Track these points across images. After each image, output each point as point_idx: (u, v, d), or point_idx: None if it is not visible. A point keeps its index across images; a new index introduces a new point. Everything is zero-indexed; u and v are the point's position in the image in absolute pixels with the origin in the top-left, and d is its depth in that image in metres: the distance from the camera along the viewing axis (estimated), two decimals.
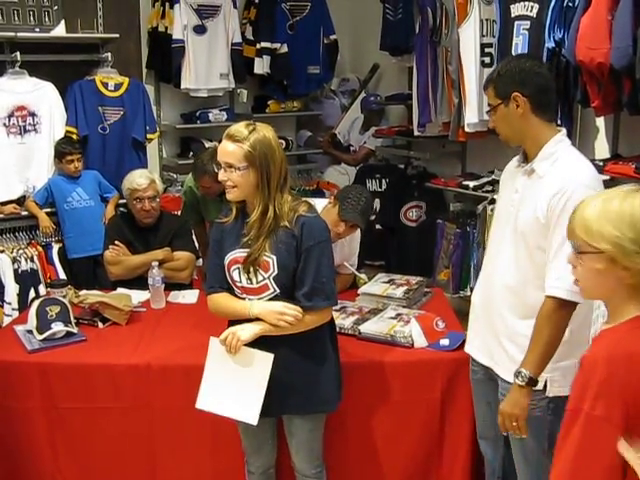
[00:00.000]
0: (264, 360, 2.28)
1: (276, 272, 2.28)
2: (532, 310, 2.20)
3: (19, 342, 2.86)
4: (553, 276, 2.12)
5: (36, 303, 2.98)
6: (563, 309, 2.12)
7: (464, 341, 2.73)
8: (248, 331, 2.27)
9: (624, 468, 1.44)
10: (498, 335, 2.31)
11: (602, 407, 1.44)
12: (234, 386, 2.31)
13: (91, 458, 2.76)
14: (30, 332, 2.88)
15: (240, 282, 2.33)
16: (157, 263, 3.37)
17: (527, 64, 2.28)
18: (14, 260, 4.39)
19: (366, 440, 2.73)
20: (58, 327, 2.85)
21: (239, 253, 2.32)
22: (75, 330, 2.90)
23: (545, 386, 2.21)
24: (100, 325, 3.04)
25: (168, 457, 2.72)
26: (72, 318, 2.94)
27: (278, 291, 2.30)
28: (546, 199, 2.14)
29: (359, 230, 3.34)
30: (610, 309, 1.60)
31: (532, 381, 2.14)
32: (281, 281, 2.29)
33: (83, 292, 3.22)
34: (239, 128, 2.25)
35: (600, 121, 4.10)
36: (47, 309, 2.90)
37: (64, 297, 3.02)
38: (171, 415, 2.66)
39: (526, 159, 2.31)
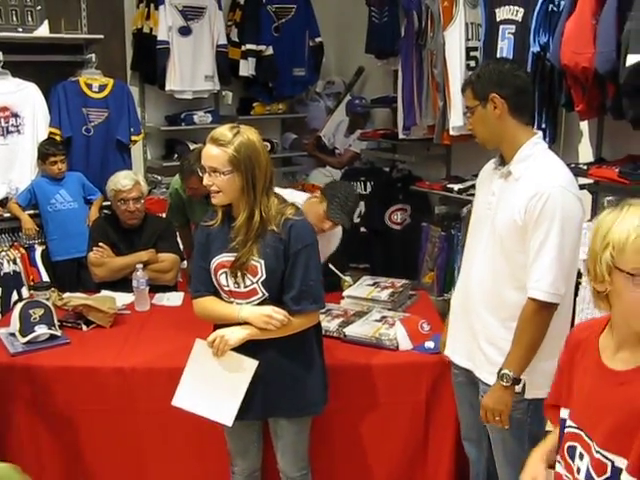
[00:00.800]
0: (248, 366, 2.28)
1: (264, 276, 2.27)
2: (509, 312, 2.22)
3: (1, 345, 2.83)
4: (533, 278, 2.14)
5: (19, 306, 2.95)
6: (544, 311, 2.14)
7: None
8: (236, 335, 2.26)
9: None
10: (477, 338, 2.33)
11: None
12: (213, 387, 2.31)
13: (76, 462, 2.74)
14: (13, 335, 2.86)
15: (227, 286, 2.32)
16: (141, 265, 3.35)
17: (506, 66, 2.30)
18: None
19: (351, 442, 2.74)
20: (42, 330, 2.83)
21: (226, 257, 2.30)
22: (59, 333, 2.88)
23: (523, 389, 2.23)
24: (84, 328, 3.02)
25: (154, 460, 2.71)
26: (56, 321, 2.91)
27: (267, 295, 2.29)
28: (523, 202, 2.15)
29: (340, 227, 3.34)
30: None
31: (516, 381, 2.17)
32: (269, 285, 2.28)
33: (67, 295, 3.20)
34: (223, 131, 2.23)
35: (584, 125, 4.11)
36: (30, 312, 2.87)
37: (47, 300, 2.99)
38: (156, 418, 2.65)
39: (503, 162, 2.31)
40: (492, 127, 2.26)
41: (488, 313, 2.29)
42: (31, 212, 4.51)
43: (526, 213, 2.15)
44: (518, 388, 2.21)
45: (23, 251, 4.50)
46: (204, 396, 2.32)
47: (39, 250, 4.55)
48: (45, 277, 4.46)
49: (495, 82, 2.24)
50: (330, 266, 3.50)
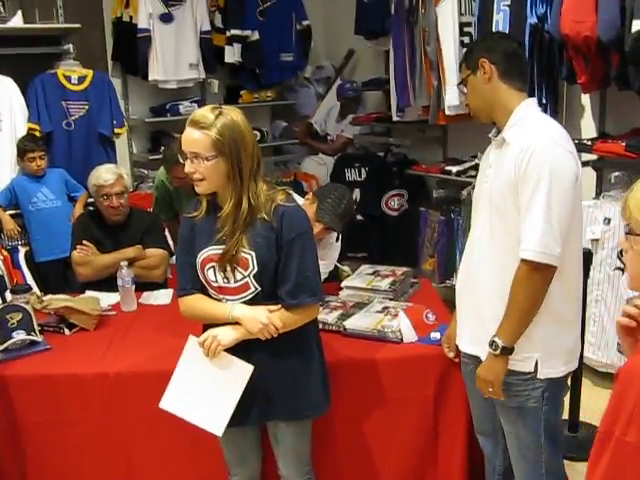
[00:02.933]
0: (243, 370, 2.10)
1: (256, 269, 2.09)
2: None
3: None
4: (523, 238, 2.01)
5: None
6: (536, 273, 2.00)
7: None
8: (230, 335, 2.10)
9: None
10: (483, 319, 2.18)
11: (635, 433, 1.24)
12: (205, 392, 2.14)
13: (62, 475, 2.56)
14: None
15: (216, 282, 2.14)
16: (126, 263, 3.19)
17: (495, 35, 2.23)
18: None
19: (356, 443, 2.57)
20: (20, 336, 2.65)
21: (213, 250, 2.12)
22: (39, 338, 2.70)
23: (536, 367, 2.10)
24: (66, 332, 2.84)
25: (145, 471, 2.53)
26: (36, 325, 2.73)
27: (259, 289, 2.12)
28: (514, 160, 2.03)
29: (337, 240, 3.14)
30: None
31: (506, 350, 2.06)
32: (262, 279, 2.11)
33: (47, 297, 3.02)
34: (204, 113, 2.05)
35: (586, 99, 3.99)
36: (7, 317, 2.69)
37: (27, 303, 2.81)
38: (145, 426, 2.47)
39: (498, 132, 2.19)
40: (483, 93, 2.17)
41: (492, 290, 2.14)
42: (12, 212, 4.35)
43: (515, 171, 2.02)
44: (530, 369, 2.09)
45: (5, 253, 4.33)
46: (194, 400, 2.15)
47: (22, 252, 4.39)
48: (30, 280, 4.30)
49: (484, 48, 2.19)
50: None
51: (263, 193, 2.09)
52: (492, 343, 2.07)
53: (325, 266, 3.22)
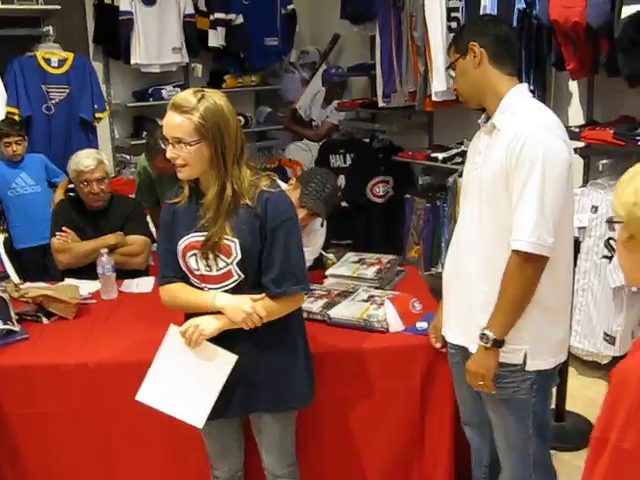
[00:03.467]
0: (226, 360, 2.05)
1: (239, 257, 2.03)
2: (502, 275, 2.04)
3: None
4: (514, 228, 1.97)
5: None
6: (528, 264, 1.96)
7: None
8: (212, 325, 2.04)
9: None
10: (471, 309, 2.14)
11: (632, 439, 1.20)
12: (185, 383, 2.08)
13: (41, 469, 2.50)
14: None
15: (198, 270, 2.09)
16: (107, 250, 3.12)
17: (486, 18, 2.18)
18: None
19: (341, 434, 2.53)
20: None
21: (195, 237, 2.06)
22: (16, 328, 2.63)
23: (525, 360, 2.06)
24: (45, 321, 2.77)
25: (125, 464, 2.47)
26: (13, 314, 2.66)
27: (242, 277, 2.06)
28: (505, 147, 1.98)
29: (322, 225, 3.10)
30: None
31: (497, 342, 2.02)
32: (246, 266, 2.05)
33: (25, 285, 2.94)
34: (186, 96, 1.98)
35: (574, 86, 3.95)
36: None
37: (4, 292, 2.74)
38: (127, 418, 2.40)
39: (488, 119, 2.14)
40: (472, 78, 2.11)
41: (481, 280, 2.10)
42: None
43: (506, 159, 1.97)
44: (518, 362, 2.06)
45: None
46: (173, 392, 2.09)
47: (1, 238, 4.31)
48: (8, 267, 4.21)
49: (474, 32, 2.13)
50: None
51: (247, 179, 2.03)
52: (483, 336, 2.02)
53: (310, 253, 3.17)
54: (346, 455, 2.54)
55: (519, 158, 1.94)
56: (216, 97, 2.00)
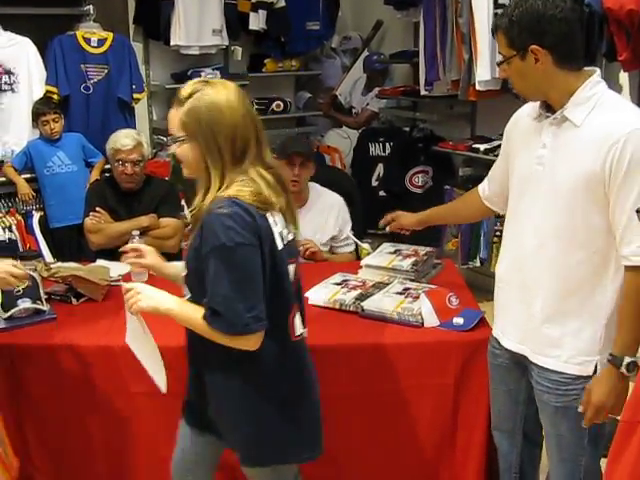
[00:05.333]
0: (149, 339, 1.96)
1: (187, 274, 1.89)
2: (577, 281, 1.91)
3: None
4: (627, 241, 1.81)
5: None
6: None
7: (481, 320, 2.47)
8: (152, 300, 1.87)
9: None
10: (535, 316, 1.99)
11: None
12: (143, 342, 1.99)
13: (66, 449, 2.47)
14: None
15: None
16: (138, 232, 3.08)
17: (546, 6, 1.84)
18: None
19: (370, 431, 2.44)
20: (25, 304, 2.55)
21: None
22: (45, 307, 2.60)
23: (595, 370, 1.92)
24: (74, 301, 2.74)
25: (146, 448, 2.43)
26: (42, 294, 2.63)
27: (189, 295, 1.89)
28: (599, 151, 1.80)
29: (341, 200, 3.23)
30: None
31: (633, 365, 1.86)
32: (190, 286, 1.89)
33: (55, 265, 2.91)
34: (187, 87, 1.81)
35: (624, 78, 3.80)
36: None
37: (34, 270, 2.71)
38: (149, 403, 2.36)
39: (549, 108, 1.95)
40: (534, 80, 1.90)
41: (551, 285, 1.95)
42: (27, 176, 4.28)
43: (601, 162, 1.80)
44: (589, 373, 1.92)
45: (19, 218, 4.29)
46: (142, 346, 2.01)
47: (36, 217, 4.33)
48: (43, 245, 4.24)
49: (535, 32, 1.84)
50: (348, 233, 3.28)
51: (231, 189, 1.77)
52: (628, 365, 1.84)
53: (320, 238, 3.24)
54: (374, 452, 2.45)
55: (630, 165, 1.76)
56: (217, 89, 1.79)
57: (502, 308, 2.14)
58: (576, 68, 1.89)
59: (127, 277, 3.00)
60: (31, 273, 2.63)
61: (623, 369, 1.84)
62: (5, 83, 4.23)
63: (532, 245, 1.98)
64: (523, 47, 1.85)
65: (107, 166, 4.17)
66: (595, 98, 1.86)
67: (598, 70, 1.93)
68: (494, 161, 2.33)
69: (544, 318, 1.97)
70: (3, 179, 4.25)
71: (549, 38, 1.83)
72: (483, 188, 2.35)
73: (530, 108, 2.04)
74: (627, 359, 1.84)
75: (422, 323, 2.48)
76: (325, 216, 3.31)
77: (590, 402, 1.89)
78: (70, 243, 4.23)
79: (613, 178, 1.79)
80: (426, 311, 2.49)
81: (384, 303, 2.58)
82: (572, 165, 1.86)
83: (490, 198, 2.31)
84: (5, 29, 4.20)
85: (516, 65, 1.90)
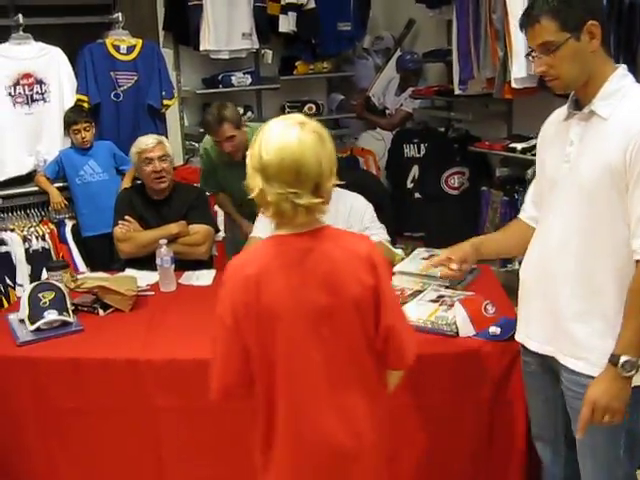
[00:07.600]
0: None
1: None
2: (601, 281, 1.85)
3: (10, 333, 2.54)
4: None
5: (29, 289, 2.67)
6: None
7: None
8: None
9: None
10: (560, 316, 1.92)
11: None
12: None
13: (93, 465, 2.44)
14: (22, 322, 2.56)
15: None
16: (165, 241, 3.05)
17: None
18: (25, 239, 4.15)
19: (401, 446, 2.34)
20: (52, 316, 2.53)
21: None
22: (71, 319, 2.58)
23: None
24: (101, 312, 2.71)
25: (176, 462, 2.38)
26: (69, 305, 2.61)
27: None
28: (621, 141, 1.75)
29: (359, 197, 3.08)
30: None
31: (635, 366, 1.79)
32: None
33: (82, 275, 2.89)
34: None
35: None
36: (40, 295, 2.57)
37: (60, 282, 2.68)
38: (178, 417, 2.31)
39: (577, 106, 1.90)
40: (585, 63, 1.83)
41: (574, 284, 1.89)
42: (60, 185, 4.28)
43: (624, 156, 1.75)
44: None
45: (52, 227, 4.30)
46: None
47: (69, 225, 4.34)
48: (76, 254, 4.24)
49: (590, 7, 1.82)
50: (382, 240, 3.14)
51: None
52: (624, 364, 1.78)
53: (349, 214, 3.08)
54: (407, 468, 2.35)
55: None
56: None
57: (527, 311, 2.07)
58: (609, 53, 1.88)
59: (155, 287, 2.97)
60: (58, 284, 2.62)
61: (619, 368, 1.78)
62: (37, 93, 4.23)
63: (557, 241, 1.93)
64: (578, 26, 1.80)
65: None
66: (623, 91, 1.83)
67: (624, 65, 1.91)
68: (531, 161, 2.25)
69: (570, 315, 1.90)
70: (36, 188, 4.26)
71: (599, 14, 1.83)
72: (523, 210, 2.26)
73: (558, 113, 2.01)
74: (623, 358, 1.77)
75: (457, 333, 2.39)
76: (345, 218, 3.18)
77: (591, 401, 1.82)
78: (103, 252, 4.20)
79: (631, 169, 1.74)
80: (461, 320, 2.39)
81: (417, 312, 2.48)
82: (596, 158, 1.81)
83: (535, 218, 2.19)
84: (36, 40, 4.21)
85: (569, 49, 1.82)
